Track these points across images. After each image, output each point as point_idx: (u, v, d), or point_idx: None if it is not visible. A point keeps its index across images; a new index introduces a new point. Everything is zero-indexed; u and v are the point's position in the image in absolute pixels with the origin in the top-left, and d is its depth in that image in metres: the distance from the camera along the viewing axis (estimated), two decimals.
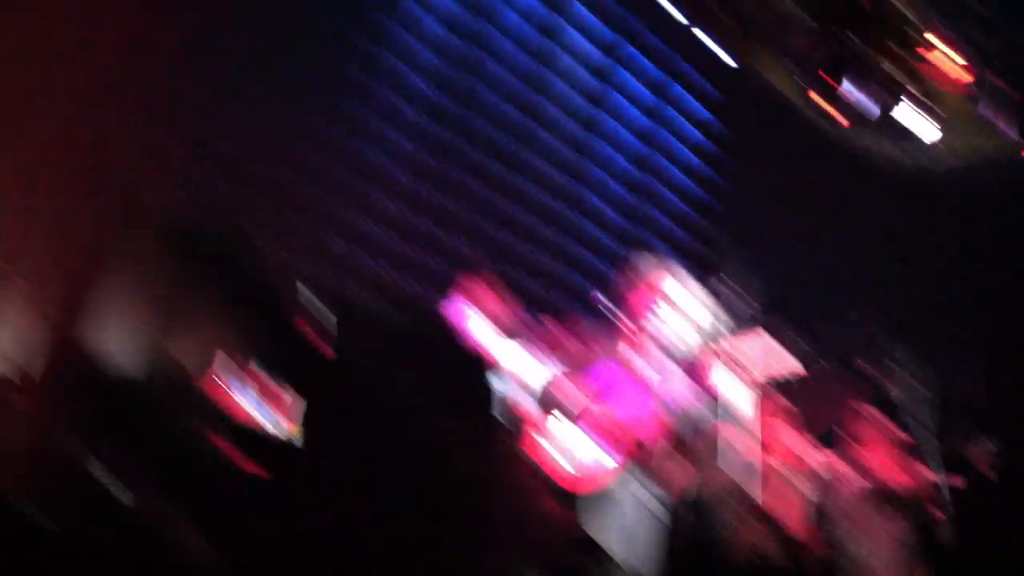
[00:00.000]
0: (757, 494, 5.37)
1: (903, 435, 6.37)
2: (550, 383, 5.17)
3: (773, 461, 5.83)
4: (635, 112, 9.21)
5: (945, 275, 8.83)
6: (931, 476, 6.25)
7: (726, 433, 5.19)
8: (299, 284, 5.92)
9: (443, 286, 6.34)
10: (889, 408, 6.39)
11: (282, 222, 6.87)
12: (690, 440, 5.20)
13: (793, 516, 6.17)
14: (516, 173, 8.25)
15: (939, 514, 6.19)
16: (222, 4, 6.70)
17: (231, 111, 6.66)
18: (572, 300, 8.21)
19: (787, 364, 5.57)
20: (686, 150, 9.62)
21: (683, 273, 5.43)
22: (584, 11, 8.82)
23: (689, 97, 9.63)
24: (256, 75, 6.81)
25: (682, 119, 9.61)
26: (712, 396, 5.25)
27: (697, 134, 9.72)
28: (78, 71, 6.24)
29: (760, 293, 5.64)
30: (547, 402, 5.11)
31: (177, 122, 6.51)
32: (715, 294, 5.50)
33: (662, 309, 5.27)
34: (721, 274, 5.66)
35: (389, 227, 7.45)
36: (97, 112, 6.29)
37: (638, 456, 5.01)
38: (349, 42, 7.37)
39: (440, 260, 7.62)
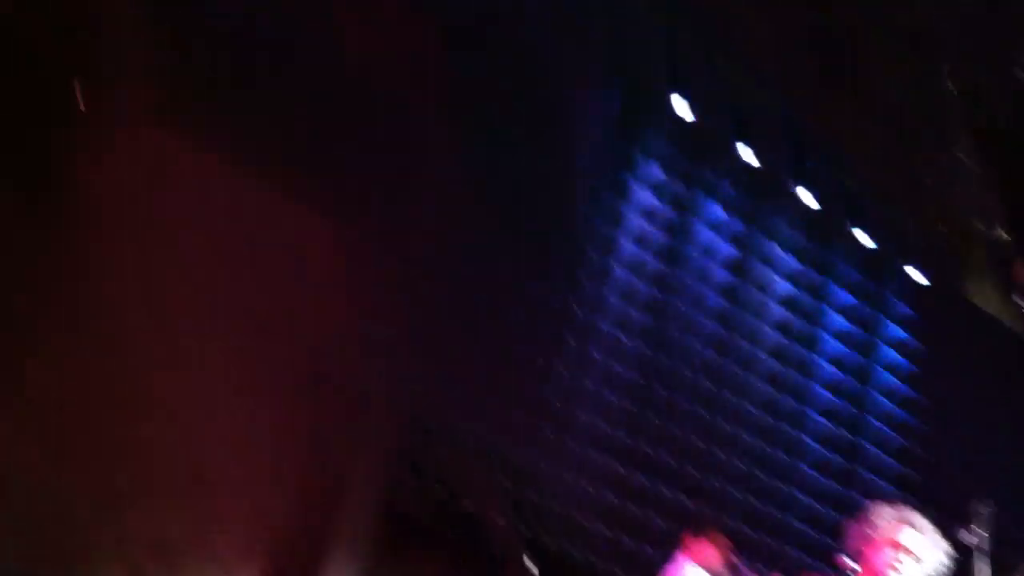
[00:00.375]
0: None
1: None
2: None
3: None
4: (835, 343, 9.14)
5: None
6: None
7: None
8: (524, 551, 5.96)
9: (665, 543, 6.29)
10: None
11: (500, 485, 6.95)
12: None
13: None
14: (725, 420, 8.22)
15: None
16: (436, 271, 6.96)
17: (447, 380, 6.86)
18: (793, 547, 8.03)
19: None
20: (888, 375, 9.44)
21: (914, 515, 5.22)
22: (776, 249, 8.89)
23: (887, 320, 9.52)
24: (477, 339, 7.03)
25: (881, 343, 9.49)
26: None
27: (897, 356, 9.57)
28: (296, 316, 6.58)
29: (989, 524, 5.37)
30: None
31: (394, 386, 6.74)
32: (940, 527, 5.25)
33: (898, 557, 5.03)
34: (943, 506, 5.43)
35: (606, 485, 7.48)
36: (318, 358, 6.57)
37: None
38: (562, 306, 7.54)
39: (660, 516, 7.58)
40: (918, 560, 5.02)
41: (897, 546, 4.99)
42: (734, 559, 6.13)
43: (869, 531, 5.09)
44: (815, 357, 8.96)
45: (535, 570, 5.94)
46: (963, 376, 9.55)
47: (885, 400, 9.32)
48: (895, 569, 4.96)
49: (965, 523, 5.19)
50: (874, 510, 5.21)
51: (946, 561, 5.12)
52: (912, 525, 5.07)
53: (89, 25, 6.02)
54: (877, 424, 9.21)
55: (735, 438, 8.22)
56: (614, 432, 7.64)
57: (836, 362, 9.11)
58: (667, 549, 6.16)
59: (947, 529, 5.24)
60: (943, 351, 9.60)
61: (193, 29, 6.37)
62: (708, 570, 6.00)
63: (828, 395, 8.97)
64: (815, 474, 8.67)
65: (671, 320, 8.10)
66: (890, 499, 5.46)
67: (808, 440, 8.71)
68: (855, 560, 4.98)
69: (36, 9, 5.88)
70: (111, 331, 6.03)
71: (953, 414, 9.54)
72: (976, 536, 5.11)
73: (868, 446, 9.07)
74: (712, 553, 6.06)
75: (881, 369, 9.38)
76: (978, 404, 9.56)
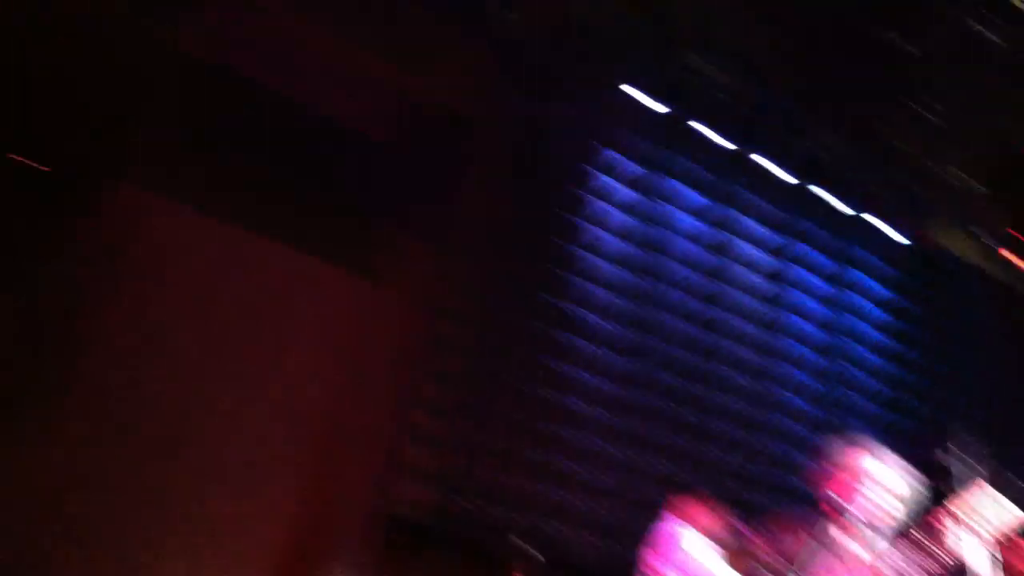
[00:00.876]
0: None
1: None
2: None
3: None
4: (814, 304, 9.26)
5: None
6: None
7: None
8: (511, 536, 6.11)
9: (652, 511, 6.43)
10: None
11: (489, 476, 7.16)
12: None
13: None
14: (706, 386, 8.37)
15: None
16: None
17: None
18: (780, 499, 8.15)
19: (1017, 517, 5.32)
20: (871, 329, 9.55)
21: (884, 449, 5.34)
22: (751, 223, 9.04)
23: (867, 279, 9.64)
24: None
25: (863, 301, 9.60)
26: (949, 564, 5.07)
27: (880, 313, 9.67)
28: None
29: (978, 454, 5.48)
30: None
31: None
32: (925, 464, 5.36)
33: (871, 489, 5.15)
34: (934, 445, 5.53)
35: (590, 462, 7.65)
36: None
37: None
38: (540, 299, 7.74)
39: (645, 485, 7.73)
40: (887, 490, 5.15)
41: (862, 478, 5.11)
42: (729, 519, 6.23)
43: (835, 470, 5.21)
44: (797, 319, 9.08)
45: (540, 557, 6.07)
46: (945, 326, 9.72)
47: (869, 355, 9.43)
48: (865, 499, 5.09)
49: (943, 456, 5.30)
50: (837, 448, 5.34)
51: (916, 488, 5.24)
52: (873, 456, 5.20)
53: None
54: (861, 375, 9.33)
55: (716, 402, 8.37)
56: (595, 410, 7.80)
57: (816, 322, 9.23)
58: (654, 517, 6.26)
59: (923, 463, 5.37)
60: (924, 304, 9.75)
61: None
62: (702, 531, 6.11)
63: (811, 354, 9.08)
64: (796, 425, 8.80)
65: (651, 303, 8.24)
66: (850, 436, 5.58)
67: (791, 396, 8.85)
68: (826, 493, 5.08)
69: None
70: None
71: (938, 362, 9.69)
72: (952, 463, 5.21)
73: (853, 397, 9.19)
74: (705, 515, 6.16)
75: (864, 326, 9.50)
76: (964, 351, 9.71)
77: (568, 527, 7.45)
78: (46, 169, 6.40)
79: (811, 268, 9.35)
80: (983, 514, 5.08)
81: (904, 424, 9.33)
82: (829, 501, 5.11)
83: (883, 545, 5.13)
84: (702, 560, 5.93)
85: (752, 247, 9.02)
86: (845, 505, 5.09)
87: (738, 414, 8.53)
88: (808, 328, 9.18)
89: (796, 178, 9.26)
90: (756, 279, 8.98)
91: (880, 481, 5.13)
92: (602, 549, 7.56)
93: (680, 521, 6.18)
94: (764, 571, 5.29)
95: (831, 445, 5.49)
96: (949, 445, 5.31)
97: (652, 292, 8.34)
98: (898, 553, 5.07)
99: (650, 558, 6.06)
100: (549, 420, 7.61)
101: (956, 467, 5.26)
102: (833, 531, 5.12)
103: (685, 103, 8.67)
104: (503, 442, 7.40)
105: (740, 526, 6.21)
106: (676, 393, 8.21)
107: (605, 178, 8.36)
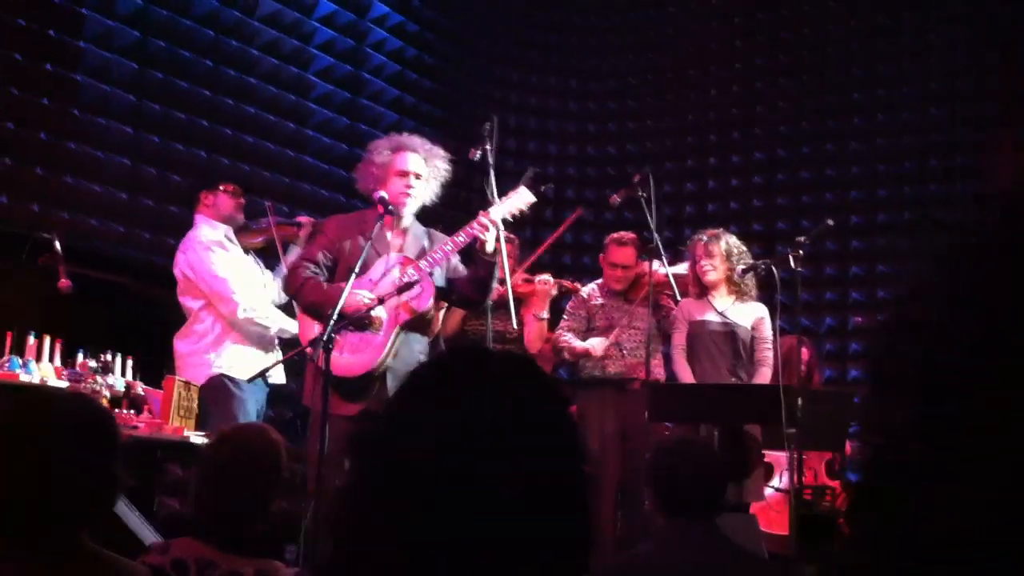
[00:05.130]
0: None
1: None
2: None
3: None
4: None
5: None
6: None
7: None
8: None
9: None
10: None
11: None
12: None
13: None
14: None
15: None
16: None
17: None
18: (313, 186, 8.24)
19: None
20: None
21: (409, 138, 5.60)
22: None
23: None
24: None
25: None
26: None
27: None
28: None
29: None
30: None
31: None
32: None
33: (408, 182, 5.39)
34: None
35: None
36: None
37: None
38: None
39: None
40: (427, 178, 5.45)
41: (405, 174, 5.37)
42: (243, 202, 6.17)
43: (373, 168, 5.43)
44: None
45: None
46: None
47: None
48: (407, 195, 5.37)
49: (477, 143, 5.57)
50: (373, 146, 5.54)
51: (448, 168, 5.56)
52: (409, 148, 5.45)
53: None
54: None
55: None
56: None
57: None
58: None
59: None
60: None
61: None
62: (224, 220, 6.04)
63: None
64: (325, 110, 8.86)
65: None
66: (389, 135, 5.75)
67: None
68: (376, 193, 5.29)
69: None
70: None
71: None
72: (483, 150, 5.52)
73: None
74: (227, 203, 6.10)
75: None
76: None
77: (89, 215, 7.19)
78: None
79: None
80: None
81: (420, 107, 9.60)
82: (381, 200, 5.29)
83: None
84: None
85: None
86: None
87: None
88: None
89: None
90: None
91: (420, 175, 5.39)
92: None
93: (205, 214, 6.09)
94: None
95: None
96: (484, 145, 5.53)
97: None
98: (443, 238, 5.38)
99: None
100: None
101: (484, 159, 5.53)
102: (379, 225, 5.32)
103: None
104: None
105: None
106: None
107: None
